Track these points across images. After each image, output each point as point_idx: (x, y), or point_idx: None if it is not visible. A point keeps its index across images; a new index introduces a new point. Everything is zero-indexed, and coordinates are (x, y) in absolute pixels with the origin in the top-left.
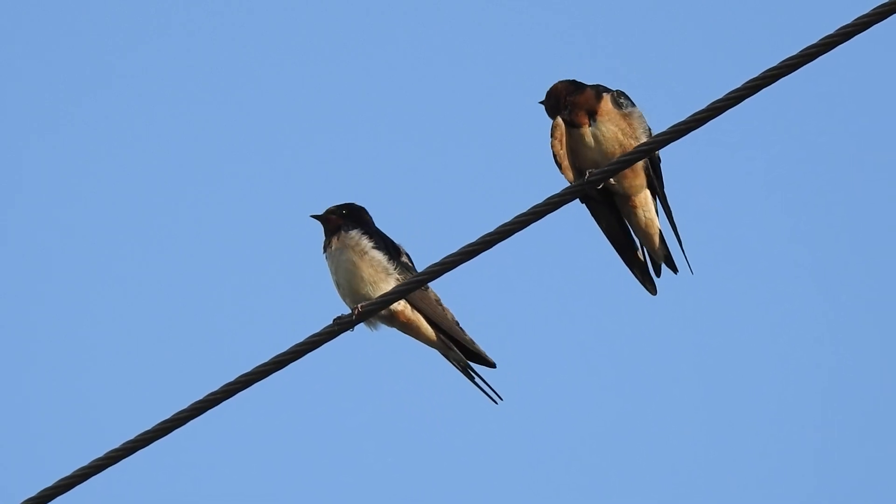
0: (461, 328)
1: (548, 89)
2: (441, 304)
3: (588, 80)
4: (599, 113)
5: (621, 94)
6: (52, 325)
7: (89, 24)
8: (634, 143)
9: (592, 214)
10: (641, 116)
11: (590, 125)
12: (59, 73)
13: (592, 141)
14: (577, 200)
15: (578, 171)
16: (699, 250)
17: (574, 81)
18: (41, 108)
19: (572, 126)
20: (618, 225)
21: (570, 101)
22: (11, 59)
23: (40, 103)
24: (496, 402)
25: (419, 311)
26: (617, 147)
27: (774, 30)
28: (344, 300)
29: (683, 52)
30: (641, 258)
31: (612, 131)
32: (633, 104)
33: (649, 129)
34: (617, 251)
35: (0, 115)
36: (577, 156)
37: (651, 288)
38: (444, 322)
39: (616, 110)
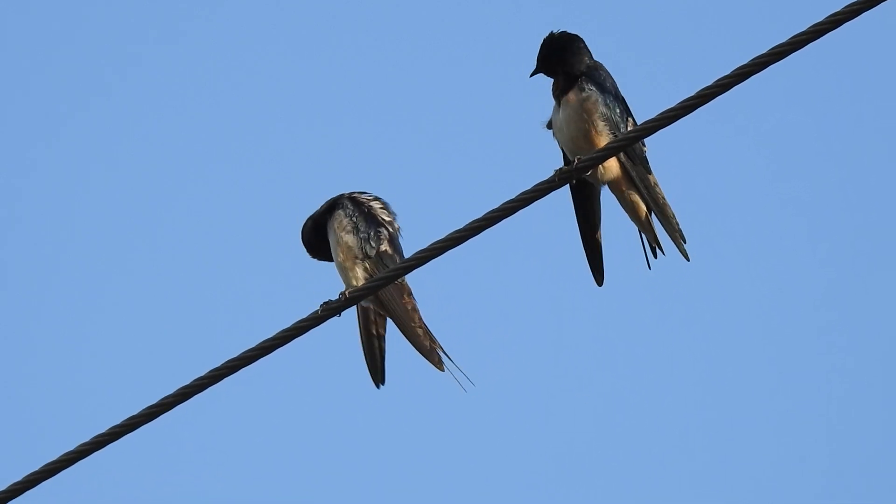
0: (426, 330)
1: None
2: (411, 299)
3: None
4: (565, 99)
5: (589, 76)
6: (39, 311)
7: (90, 25)
8: (593, 128)
9: (573, 197)
10: (598, 100)
11: (559, 107)
12: (60, 74)
13: (561, 122)
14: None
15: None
16: (697, 235)
17: (567, 55)
18: (42, 109)
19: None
20: (594, 211)
21: (555, 88)
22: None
23: (41, 104)
24: (465, 390)
25: (383, 305)
26: (577, 132)
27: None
28: None
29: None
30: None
31: (570, 116)
32: (592, 87)
33: (609, 109)
34: (581, 235)
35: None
36: (555, 133)
37: (598, 278)
38: (405, 321)
39: (575, 96)
